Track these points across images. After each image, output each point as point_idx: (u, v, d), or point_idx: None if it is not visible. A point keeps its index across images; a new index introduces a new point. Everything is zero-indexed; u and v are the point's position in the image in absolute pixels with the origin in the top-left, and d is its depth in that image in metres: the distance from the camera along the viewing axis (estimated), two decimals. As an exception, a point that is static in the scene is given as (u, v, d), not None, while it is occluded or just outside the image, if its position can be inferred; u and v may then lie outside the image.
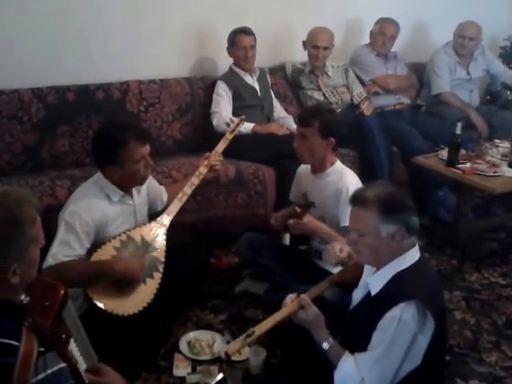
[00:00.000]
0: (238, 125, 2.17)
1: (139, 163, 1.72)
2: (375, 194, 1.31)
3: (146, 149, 1.74)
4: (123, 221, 1.79)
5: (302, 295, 1.40)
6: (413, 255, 1.34)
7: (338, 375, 1.30)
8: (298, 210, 1.84)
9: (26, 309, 0.99)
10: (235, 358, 1.78)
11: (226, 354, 1.37)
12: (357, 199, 1.35)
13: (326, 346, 1.34)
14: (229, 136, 2.11)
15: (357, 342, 1.32)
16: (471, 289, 2.31)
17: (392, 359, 1.25)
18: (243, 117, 2.25)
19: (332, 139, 1.90)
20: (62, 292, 1.04)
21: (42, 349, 0.92)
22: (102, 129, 1.87)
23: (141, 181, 1.79)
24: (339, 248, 1.58)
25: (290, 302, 1.41)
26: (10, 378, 0.87)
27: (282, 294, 1.51)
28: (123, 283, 1.70)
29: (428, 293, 1.29)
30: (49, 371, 0.91)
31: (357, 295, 1.43)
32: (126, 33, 2.65)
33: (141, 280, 1.72)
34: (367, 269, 1.42)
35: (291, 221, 1.85)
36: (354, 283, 1.45)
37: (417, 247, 1.35)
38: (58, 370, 0.93)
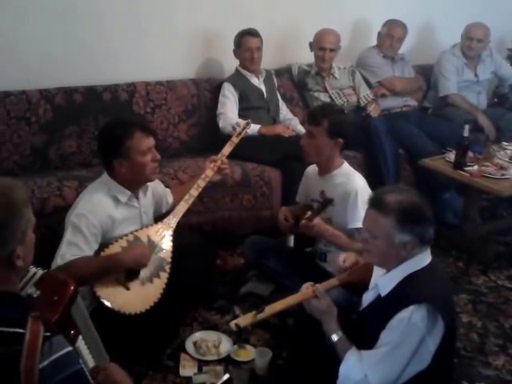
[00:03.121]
0: (244, 128, 2.17)
1: (146, 155, 1.73)
2: (396, 200, 1.29)
3: (152, 141, 1.77)
4: (129, 223, 1.80)
5: (318, 285, 1.40)
6: (424, 258, 1.33)
7: (342, 369, 1.31)
8: (309, 213, 1.84)
9: (34, 302, 1.00)
10: (241, 358, 1.79)
11: (237, 325, 1.38)
12: (376, 202, 1.33)
13: (334, 337, 1.35)
14: (235, 139, 2.12)
15: (366, 342, 1.31)
16: (478, 292, 2.30)
17: (397, 359, 1.25)
18: (249, 120, 2.26)
19: (340, 140, 1.89)
20: (72, 288, 1.05)
21: (47, 333, 0.91)
22: (107, 124, 1.90)
23: (149, 176, 1.79)
24: (343, 258, 1.57)
25: (306, 288, 1.42)
26: (18, 366, 0.87)
27: (287, 296, 1.50)
28: (131, 281, 1.71)
29: (439, 296, 1.29)
30: (54, 356, 0.90)
31: (367, 297, 1.43)
32: (132, 34, 2.67)
33: (149, 261, 1.74)
34: (377, 270, 1.42)
35: (302, 222, 1.85)
36: (364, 284, 1.45)
37: (428, 250, 1.35)
38: (64, 354, 0.92)
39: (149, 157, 1.74)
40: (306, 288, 1.42)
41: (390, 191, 1.34)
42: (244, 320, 1.39)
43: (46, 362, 0.89)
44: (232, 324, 1.39)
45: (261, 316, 1.37)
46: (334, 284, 1.50)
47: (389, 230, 1.29)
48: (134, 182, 1.78)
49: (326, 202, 1.83)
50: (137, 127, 1.73)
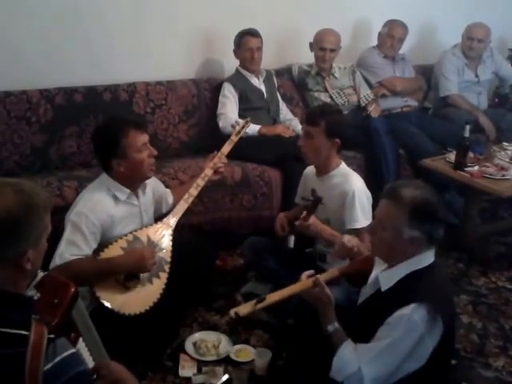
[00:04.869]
0: (243, 127, 2.18)
1: (142, 152, 1.73)
2: (412, 194, 1.30)
3: (146, 137, 1.77)
4: (129, 222, 1.80)
5: (317, 275, 1.40)
6: (428, 257, 1.33)
7: (336, 360, 1.30)
8: (304, 213, 1.84)
9: (35, 305, 1.00)
10: (241, 359, 1.79)
11: (236, 313, 1.38)
12: (392, 193, 1.33)
13: (330, 328, 1.35)
14: (234, 138, 2.12)
15: (363, 335, 1.31)
16: (478, 293, 2.30)
17: (393, 356, 1.25)
18: (249, 119, 2.26)
19: (337, 140, 1.89)
20: (73, 290, 1.04)
21: (51, 335, 0.92)
22: (100, 125, 1.91)
23: (147, 172, 1.78)
24: (347, 239, 1.59)
25: (306, 278, 1.41)
26: (22, 368, 0.87)
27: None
28: (130, 281, 1.71)
29: (440, 297, 1.29)
30: (57, 358, 0.91)
31: (366, 290, 1.43)
32: (132, 35, 2.67)
33: (152, 268, 1.73)
34: (378, 265, 1.42)
35: (297, 222, 1.85)
36: (363, 277, 1.45)
37: (433, 249, 1.35)
38: (68, 355, 0.93)
39: (145, 153, 1.75)
40: (306, 277, 1.42)
41: (408, 185, 1.34)
42: (244, 309, 1.39)
43: (50, 365, 0.90)
44: (232, 312, 1.39)
45: (261, 305, 1.37)
46: (335, 274, 1.50)
47: (399, 224, 1.29)
48: (132, 180, 1.78)
49: (317, 200, 1.83)
50: (130, 125, 1.73)
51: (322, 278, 1.44)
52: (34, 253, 0.97)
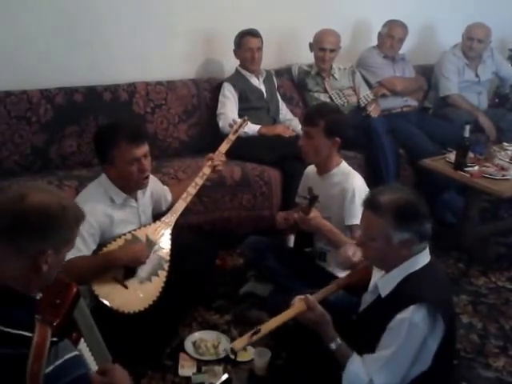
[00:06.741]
0: (240, 126, 2.18)
1: (132, 165, 1.70)
2: (390, 199, 1.30)
3: (141, 150, 1.71)
4: (128, 223, 1.80)
5: (309, 296, 1.39)
6: (423, 258, 1.33)
7: (346, 376, 1.29)
8: (304, 205, 1.83)
9: (37, 305, 1.00)
10: (240, 358, 1.79)
11: (232, 350, 1.38)
12: (371, 203, 1.32)
13: (333, 346, 1.34)
14: (232, 137, 2.12)
15: (366, 343, 1.31)
16: (478, 293, 2.29)
17: (401, 361, 1.25)
18: (246, 118, 2.26)
19: (337, 139, 1.89)
20: (75, 290, 1.05)
21: (54, 339, 0.92)
22: (99, 129, 1.93)
23: (137, 184, 1.77)
24: (352, 251, 1.56)
25: (299, 301, 1.41)
26: (23, 370, 0.88)
27: (287, 296, 1.50)
28: (129, 279, 1.71)
29: (439, 296, 1.29)
30: (59, 361, 0.91)
31: (366, 298, 1.42)
32: (132, 35, 2.67)
33: (147, 258, 1.75)
34: (376, 271, 1.42)
35: (297, 214, 1.84)
36: (362, 287, 1.45)
37: (427, 250, 1.35)
38: (69, 358, 0.93)
39: (135, 167, 1.71)
40: (299, 300, 1.40)
41: (384, 191, 1.35)
42: (239, 343, 1.38)
43: (51, 367, 0.90)
44: (228, 350, 1.37)
45: (256, 337, 1.35)
46: (334, 289, 1.49)
47: (386, 231, 1.28)
48: (125, 187, 1.78)
49: (313, 199, 1.82)
50: (124, 136, 1.68)
51: (319, 295, 1.42)
52: (53, 256, 0.97)
